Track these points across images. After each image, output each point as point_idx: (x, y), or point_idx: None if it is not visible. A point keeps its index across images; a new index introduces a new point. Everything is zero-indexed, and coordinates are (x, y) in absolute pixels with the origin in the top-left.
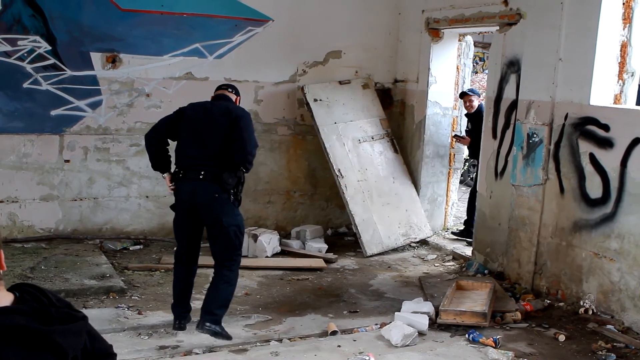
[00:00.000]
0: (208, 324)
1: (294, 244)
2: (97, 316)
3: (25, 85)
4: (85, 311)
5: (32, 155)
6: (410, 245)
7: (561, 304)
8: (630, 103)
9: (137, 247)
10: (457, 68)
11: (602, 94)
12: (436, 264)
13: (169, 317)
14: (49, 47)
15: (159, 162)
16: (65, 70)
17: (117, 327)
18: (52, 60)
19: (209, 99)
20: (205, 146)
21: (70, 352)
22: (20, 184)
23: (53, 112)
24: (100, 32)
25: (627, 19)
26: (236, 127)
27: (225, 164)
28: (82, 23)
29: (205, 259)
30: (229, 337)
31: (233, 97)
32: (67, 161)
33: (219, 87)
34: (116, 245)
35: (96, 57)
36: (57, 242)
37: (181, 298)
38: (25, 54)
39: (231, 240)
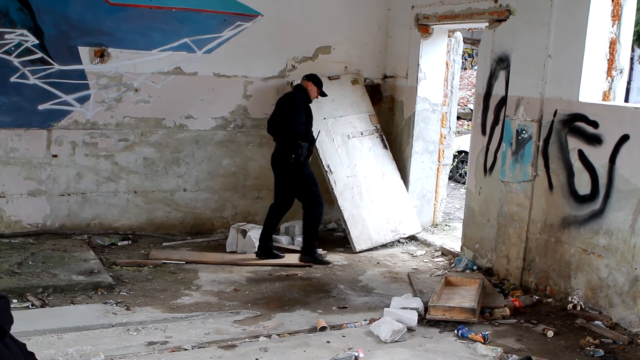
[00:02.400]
0: (304, 256)
1: (283, 240)
2: (85, 312)
3: (13, 79)
4: (73, 307)
5: (19, 149)
6: (399, 241)
7: (549, 299)
8: (619, 100)
9: (126, 242)
10: (447, 64)
11: (591, 90)
12: (425, 260)
13: (157, 312)
14: (37, 41)
15: None
16: (53, 65)
17: (105, 323)
18: (39, 54)
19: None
20: (277, 125)
21: (6, 329)
22: (8, 178)
23: (41, 107)
24: (88, 26)
25: (616, 16)
26: (286, 107)
27: (285, 134)
28: (70, 17)
29: (198, 256)
30: (326, 262)
31: (305, 83)
32: (55, 156)
33: (302, 77)
34: (104, 240)
35: (84, 52)
36: (45, 237)
37: (263, 232)
38: (13, 48)
39: (304, 190)
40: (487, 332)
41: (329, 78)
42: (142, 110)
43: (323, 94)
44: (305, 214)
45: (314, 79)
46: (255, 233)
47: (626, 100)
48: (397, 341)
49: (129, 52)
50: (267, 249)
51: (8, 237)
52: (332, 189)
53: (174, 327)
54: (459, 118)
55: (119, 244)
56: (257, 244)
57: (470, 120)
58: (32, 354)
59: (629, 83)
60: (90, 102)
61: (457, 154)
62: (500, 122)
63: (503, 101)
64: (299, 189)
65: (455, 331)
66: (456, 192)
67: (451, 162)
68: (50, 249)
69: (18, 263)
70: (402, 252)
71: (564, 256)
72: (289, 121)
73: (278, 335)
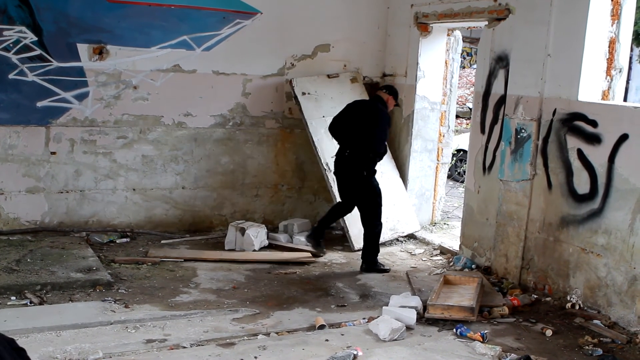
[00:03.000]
0: (364, 265)
1: (282, 238)
2: (84, 309)
3: (11, 76)
4: (71, 304)
5: (17, 147)
6: (398, 240)
7: (548, 299)
8: (618, 99)
9: (124, 240)
10: (446, 63)
11: (590, 90)
12: (424, 259)
13: (156, 310)
14: (35, 38)
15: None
16: (52, 62)
17: (103, 321)
18: (38, 51)
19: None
20: (352, 132)
21: None
22: (6, 175)
23: (39, 104)
24: (87, 23)
25: (616, 15)
26: (372, 124)
27: (363, 147)
28: (68, 14)
29: (196, 253)
30: (385, 270)
31: (385, 96)
32: (53, 153)
33: (379, 88)
34: (103, 238)
35: (83, 49)
36: (43, 234)
37: (321, 220)
38: (11, 45)
39: (371, 200)
40: (485, 331)
41: (328, 76)
42: (140, 108)
43: (397, 105)
44: (367, 225)
45: (394, 92)
46: (253, 231)
47: (625, 99)
48: (395, 340)
49: (127, 49)
50: (319, 238)
51: (6, 234)
52: (331, 187)
53: (173, 325)
54: (457, 117)
55: (117, 241)
56: (255, 241)
57: (469, 118)
58: (22, 350)
59: (627, 82)
60: (88, 99)
61: (455, 152)
62: (500, 121)
63: (502, 100)
64: (365, 199)
65: (454, 330)
66: (455, 190)
67: (450, 161)
68: (48, 246)
69: (16, 260)
70: (401, 251)
71: (562, 255)
72: (376, 139)
73: (277, 333)
